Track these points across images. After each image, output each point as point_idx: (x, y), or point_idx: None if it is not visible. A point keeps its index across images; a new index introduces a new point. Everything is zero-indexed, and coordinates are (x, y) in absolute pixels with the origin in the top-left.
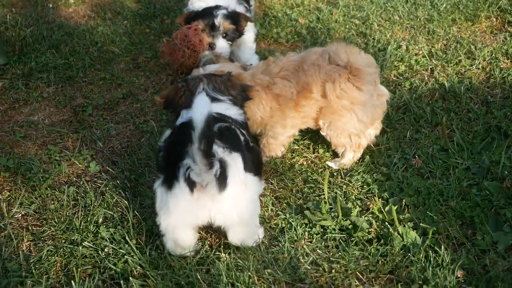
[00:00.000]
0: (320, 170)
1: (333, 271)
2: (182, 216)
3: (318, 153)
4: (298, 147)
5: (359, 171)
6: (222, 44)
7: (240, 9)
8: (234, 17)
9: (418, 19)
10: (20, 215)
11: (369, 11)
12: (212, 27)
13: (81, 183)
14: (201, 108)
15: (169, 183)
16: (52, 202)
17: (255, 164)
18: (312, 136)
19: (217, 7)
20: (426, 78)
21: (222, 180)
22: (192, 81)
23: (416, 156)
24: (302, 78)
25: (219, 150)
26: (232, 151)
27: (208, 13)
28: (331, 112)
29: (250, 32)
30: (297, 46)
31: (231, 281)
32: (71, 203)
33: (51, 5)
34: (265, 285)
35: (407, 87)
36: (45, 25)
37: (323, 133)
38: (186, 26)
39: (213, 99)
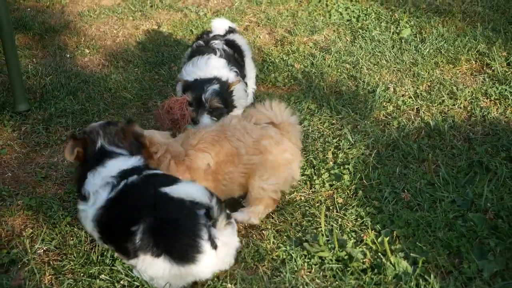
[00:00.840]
0: (317, 204)
1: None
2: None
3: (315, 188)
4: (296, 183)
5: (353, 205)
6: (206, 121)
7: (231, 76)
8: (224, 95)
9: (404, 63)
10: (42, 250)
11: (359, 56)
12: (199, 102)
13: None
14: None
15: None
16: (71, 238)
17: None
18: (310, 174)
19: (209, 81)
20: (412, 117)
21: None
22: (91, 134)
23: (405, 190)
24: (226, 146)
25: None
26: None
27: (198, 87)
28: (272, 167)
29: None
30: (293, 89)
31: None
32: (89, 239)
33: (68, 55)
34: None
35: (395, 126)
36: (63, 74)
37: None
38: (173, 98)
39: (110, 154)
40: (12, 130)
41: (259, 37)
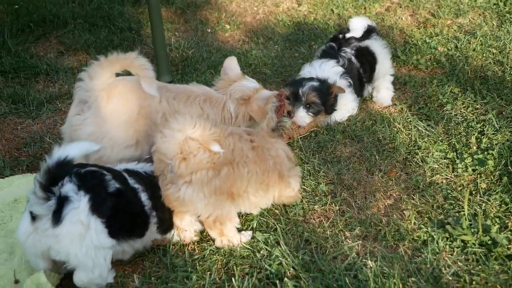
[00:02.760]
0: (459, 188)
1: (473, 282)
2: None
3: (457, 172)
4: (437, 166)
5: (497, 190)
6: (301, 114)
7: (342, 83)
8: (322, 92)
9: None
10: None
11: (506, 41)
12: (296, 96)
13: None
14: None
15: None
16: None
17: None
18: (452, 158)
19: (310, 79)
20: None
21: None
22: None
23: None
24: None
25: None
26: (80, 191)
27: (298, 82)
28: None
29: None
30: (436, 72)
31: (378, 286)
32: None
33: (209, 30)
34: None
35: None
36: (205, 48)
37: None
38: (279, 91)
39: None
40: None
41: (401, 19)
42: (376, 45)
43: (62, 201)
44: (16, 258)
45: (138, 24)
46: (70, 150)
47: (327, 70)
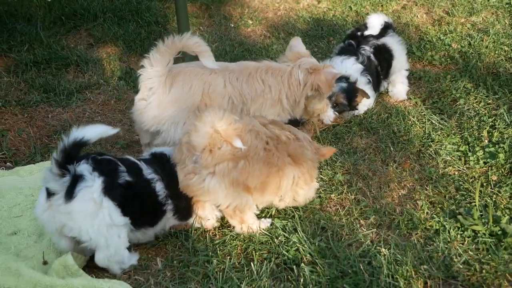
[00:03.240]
0: (471, 180)
1: (483, 271)
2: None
3: (469, 164)
4: (449, 158)
5: (507, 183)
6: (329, 113)
7: (362, 80)
8: (350, 93)
9: None
10: None
11: None
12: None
13: None
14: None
15: None
16: None
17: (133, 201)
18: (464, 150)
19: (339, 79)
20: None
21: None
22: None
23: None
24: None
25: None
26: (95, 172)
27: None
28: None
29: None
30: (450, 68)
31: (391, 273)
32: None
33: (232, 25)
34: (421, 280)
35: None
36: (228, 42)
37: None
38: None
39: None
40: None
41: (417, 16)
42: (393, 42)
43: (77, 179)
44: (45, 240)
45: (164, 18)
46: (87, 132)
47: (349, 67)
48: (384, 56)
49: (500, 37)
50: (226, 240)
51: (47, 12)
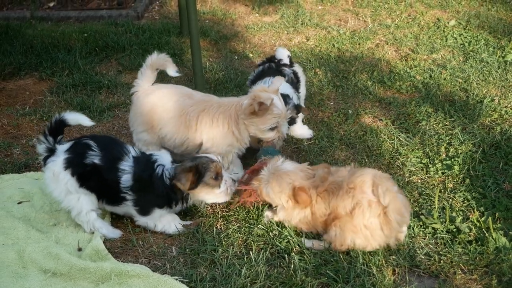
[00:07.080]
0: (431, 187)
1: (441, 261)
2: None
3: (430, 174)
4: (414, 169)
5: (461, 190)
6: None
7: (295, 97)
8: (296, 107)
9: (508, 81)
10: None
11: (470, 73)
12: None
13: None
14: None
15: None
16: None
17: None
18: (426, 162)
19: (288, 97)
20: None
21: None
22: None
23: (506, 182)
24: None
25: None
26: (67, 151)
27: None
28: None
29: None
30: (414, 95)
31: (365, 262)
32: None
33: (236, 57)
34: (390, 268)
35: (498, 130)
36: (232, 71)
37: None
38: None
39: None
40: None
41: (388, 53)
42: (299, 71)
43: (52, 152)
44: (80, 231)
45: (180, 51)
46: (66, 115)
47: (284, 85)
48: (297, 80)
49: (455, 71)
50: (230, 233)
51: (84, 44)
